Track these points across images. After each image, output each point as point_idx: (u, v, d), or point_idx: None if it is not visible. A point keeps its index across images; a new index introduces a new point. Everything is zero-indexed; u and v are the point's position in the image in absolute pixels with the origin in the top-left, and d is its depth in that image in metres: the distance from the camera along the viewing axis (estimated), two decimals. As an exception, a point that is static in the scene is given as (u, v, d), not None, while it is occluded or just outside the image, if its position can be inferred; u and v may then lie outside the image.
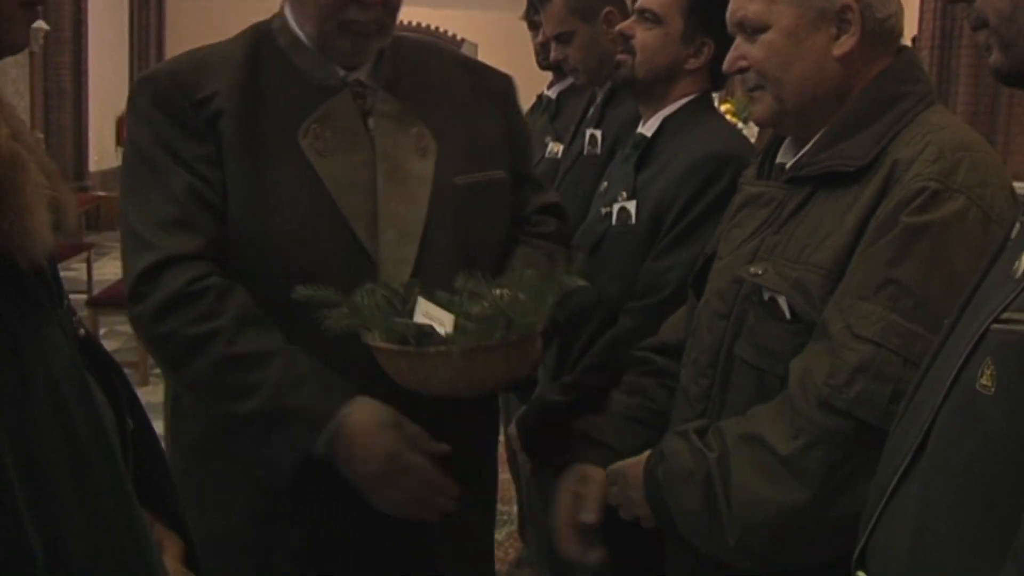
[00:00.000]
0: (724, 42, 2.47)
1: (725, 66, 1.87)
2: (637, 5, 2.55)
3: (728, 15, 1.85)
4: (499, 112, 2.12)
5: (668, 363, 2.06)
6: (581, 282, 1.80)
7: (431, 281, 1.81)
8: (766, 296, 1.76)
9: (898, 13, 1.79)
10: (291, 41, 1.98)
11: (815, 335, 1.67)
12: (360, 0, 1.88)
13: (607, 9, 3.04)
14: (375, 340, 1.74)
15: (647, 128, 2.50)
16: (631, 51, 2.48)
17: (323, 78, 1.96)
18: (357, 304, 1.75)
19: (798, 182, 1.80)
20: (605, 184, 2.56)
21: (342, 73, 1.98)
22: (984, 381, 1.08)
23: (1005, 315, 1.09)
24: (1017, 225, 1.24)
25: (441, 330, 1.69)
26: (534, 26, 3.76)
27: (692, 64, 2.46)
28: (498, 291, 1.76)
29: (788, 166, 1.84)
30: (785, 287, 1.72)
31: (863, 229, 1.66)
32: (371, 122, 1.97)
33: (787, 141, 1.89)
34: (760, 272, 1.77)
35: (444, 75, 2.10)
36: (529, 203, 2.17)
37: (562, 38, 3.08)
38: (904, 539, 1.20)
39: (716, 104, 2.63)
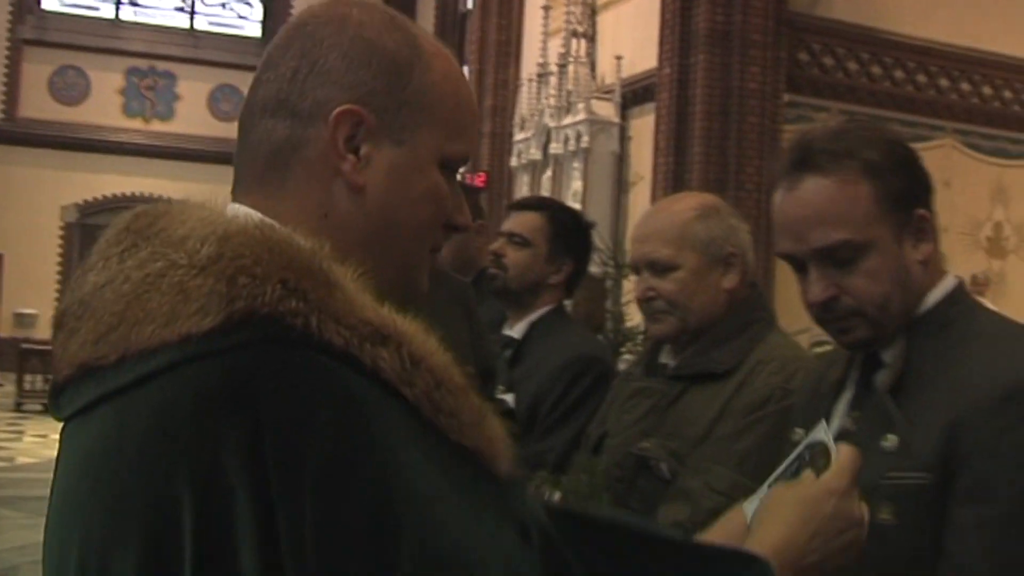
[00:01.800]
0: (580, 261, 3.07)
1: (636, 295, 2.41)
2: (506, 228, 3.09)
3: (637, 255, 2.44)
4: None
5: None
6: None
7: None
8: (651, 463, 2.28)
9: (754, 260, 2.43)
10: None
11: (674, 491, 2.24)
12: None
13: (480, 221, 3.60)
14: None
15: (516, 331, 3.03)
16: (503, 267, 3.01)
17: None
18: None
19: (678, 379, 2.36)
20: None
21: None
22: (884, 515, 1.58)
23: (890, 474, 1.60)
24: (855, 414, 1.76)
25: None
26: None
27: (554, 279, 3.04)
28: None
29: (672, 367, 2.39)
30: (664, 455, 2.26)
31: (722, 414, 2.27)
32: None
33: (667, 347, 2.44)
34: (647, 446, 2.31)
35: None
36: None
37: None
38: None
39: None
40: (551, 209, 3.17)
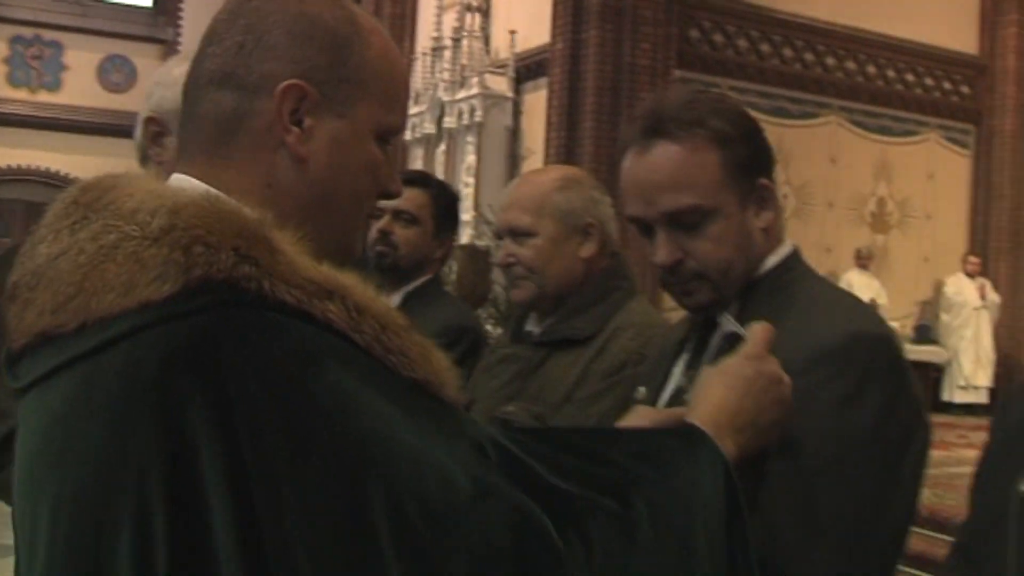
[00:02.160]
0: (456, 235, 3.14)
1: (498, 260, 2.48)
2: (392, 206, 3.09)
3: (501, 222, 2.50)
4: None
5: None
6: None
7: None
8: (515, 427, 2.36)
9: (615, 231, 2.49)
10: None
11: None
12: None
13: None
14: None
15: (392, 302, 3.05)
16: (392, 245, 3.05)
17: None
18: None
19: (542, 345, 2.43)
20: None
21: None
22: None
23: None
24: None
25: None
26: None
27: (438, 254, 3.10)
28: None
29: (536, 334, 2.46)
30: (527, 419, 2.33)
31: (583, 378, 2.36)
32: None
33: (533, 314, 2.51)
34: (511, 409, 2.37)
35: None
36: None
37: None
38: None
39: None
40: (434, 186, 3.22)
